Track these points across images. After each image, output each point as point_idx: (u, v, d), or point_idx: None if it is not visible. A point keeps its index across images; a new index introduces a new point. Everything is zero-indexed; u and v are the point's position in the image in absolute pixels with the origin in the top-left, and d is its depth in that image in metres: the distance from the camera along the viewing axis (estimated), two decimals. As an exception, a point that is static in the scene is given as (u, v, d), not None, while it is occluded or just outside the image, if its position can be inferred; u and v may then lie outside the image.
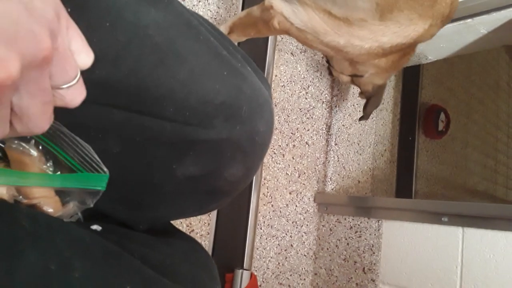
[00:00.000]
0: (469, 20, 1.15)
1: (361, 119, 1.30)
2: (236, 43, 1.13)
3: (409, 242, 1.15)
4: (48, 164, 0.40)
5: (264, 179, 1.23)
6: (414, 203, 1.19)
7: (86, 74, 0.36)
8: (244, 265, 1.12)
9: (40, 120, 0.25)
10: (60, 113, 0.37)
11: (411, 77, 1.67)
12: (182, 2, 1.06)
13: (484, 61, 1.92)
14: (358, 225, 1.26)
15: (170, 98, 0.39)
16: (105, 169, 0.38)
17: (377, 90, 1.14)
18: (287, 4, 0.81)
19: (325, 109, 1.45)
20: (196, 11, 1.09)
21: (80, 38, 0.26)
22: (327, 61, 1.29)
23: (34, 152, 0.39)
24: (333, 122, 1.46)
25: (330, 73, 1.36)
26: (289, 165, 1.31)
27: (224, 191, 0.46)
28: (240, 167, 0.45)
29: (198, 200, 0.46)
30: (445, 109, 1.74)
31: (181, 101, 0.39)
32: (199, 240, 1.06)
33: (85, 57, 0.27)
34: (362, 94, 1.20)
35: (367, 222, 1.24)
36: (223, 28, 0.95)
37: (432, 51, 1.35)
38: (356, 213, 1.26)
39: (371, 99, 1.18)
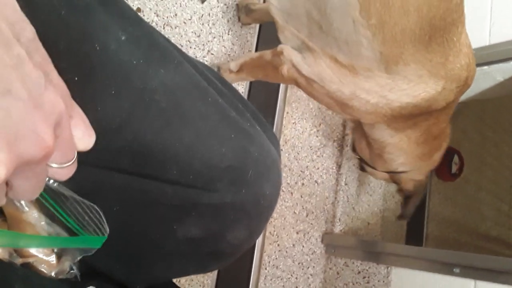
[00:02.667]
0: (485, 67, 1.14)
1: (400, 218, 1.21)
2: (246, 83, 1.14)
3: (419, 292, 1.11)
4: (45, 221, 0.39)
5: (271, 217, 1.21)
6: (425, 251, 1.16)
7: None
8: (247, 308, 1.08)
9: (30, 194, 0.25)
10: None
11: (424, 118, 1.65)
12: (197, 39, 1.08)
13: (499, 104, 1.89)
14: (367, 270, 1.22)
15: (174, 161, 0.38)
16: (107, 229, 0.36)
17: (419, 188, 1.07)
18: (298, 52, 0.80)
19: (336, 147, 1.43)
20: (211, 47, 1.10)
21: (84, 124, 0.26)
22: (359, 159, 1.20)
23: (31, 208, 0.38)
24: (343, 162, 1.44)
25: (362, 169, 1.25)
26: (297, 204, 1.29)
27: (226, 253, 0.45)
28: (243, 230, 0.43)
29: (199, 261, 0.45)
30: (458, 151, 1.71)
31: (185, 164, 0.38)
32: (201, 279, 1.04)
33: (86, 140, 0.26)
34: (401, 191, 1.13)
35: (376, 268, 1.20)
36: (233, 65, 0.95)
37: (447, 94, 1.34)
38: (364, 258, 1.23)
39: (412, 197, 1.11)
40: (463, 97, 1.32)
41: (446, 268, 1.07)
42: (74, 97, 0.34)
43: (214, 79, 0.45)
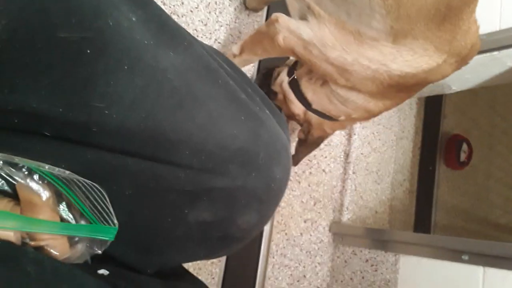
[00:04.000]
0: (495, 52, 1.12)
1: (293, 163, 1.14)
2: (253, 69, 1.13)
3: (427, 279, 1.10)
4: (60, 207, 0.39)
5: (279, 206, 1.21)
6: (433, 238, 1.15)
7: (103, 120, 0.35)
8: (255, 296, 1.09)
9: None
10: (74, 158, 0.37)
11: (433, 106, 1.64)
12: (204, 27, 1.07)
13: (509, 91, 1.87)
14: (375, 258, 1.22)
15: (187, 142, 0.38)
16: (115, 222, 0.37)
17: (320, 139, 1.03)
18: (297, 20, 0.79)
19: (344, 136, 1.42)
20: (218, 36, 1.09)
21: None
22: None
23: (46, 194, 0.38)
24: (351, 150, 1.43)
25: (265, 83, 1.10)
26: (304, 193, 1.28)
27: (236, 238, 0.45)
28: (254, 214, 0.43)
29: (209, 246, 0.44)
30: (467, 140, 1.70)
31: (198, 145, 0.38)
32: (209, 268, 1.05)
33: None
34: (302, 133, 1.05)
35: (384, 256, 1.20)
36: (235, 48, 0.94)
37: (456, 81, 1.32)
38: (372, 246, 1.22)
39: (309, 145, 1.05)
40: (472, 84, 1.31)
41: (454, 255, 1.06)
42: (87, 70, 0.34)
43: (223, 63, 0.45)
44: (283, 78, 1.00)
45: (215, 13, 1.08)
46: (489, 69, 1.19)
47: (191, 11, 1.04)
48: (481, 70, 1.20)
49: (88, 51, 0.34)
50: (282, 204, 1.22)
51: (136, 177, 0.38)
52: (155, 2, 0.40)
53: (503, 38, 1.09)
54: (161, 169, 0.38)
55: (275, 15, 0.80)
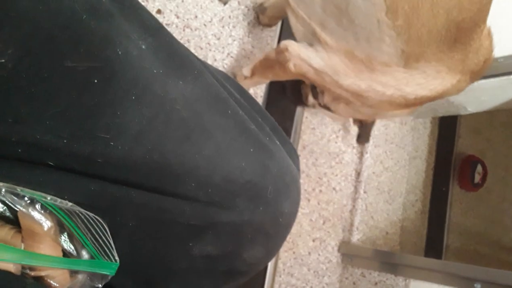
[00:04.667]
0: (513, 76, 1.10)
1: (359, 140, 1.13)
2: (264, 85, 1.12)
3: (438, 306, 1.07)
4: (61, 237, 0.38)
5: (287, 224, 1.19)
6: (445, 265, 1.12)
7: (108, 152, 0.34)
8: (261, 316, 1.07)
9: None
10: (77, 189, 0.36)
11: (447, 126, 1.61)
12: (217, 41, 1.06)
13: (526, 112, 1.83)
14: (384, 281, 1.19)
15: (193, 175, 0.37)
16: (116, 258, 0.35)
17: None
18: (306, 46, 0.78)
19: (356, 154, 1.40)
20: (231, 50, 1.08)
21: None
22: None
23: (48, 223, 0.37)
24: (363, 169, 1.41)
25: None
26: (314, 211, 1.26)
27: (241, 272, 0.43)
28: (260, 249, 0.42)
29: (213, 279, 0.43)
30: (482, 161, 1.66)
31: (204, 178, 0.37)
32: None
33: None
34: (357, 121, 1.09)
35: (394, 280, 1.17)
36: (246, 71, 0.94)
37: (472, 103, 1.30)
38: (382, 269, 1.20)
39: (368, 124, 1.07)
40: (489, 106, 1.28)
41: (466, 283, 1.03)
42: (94, 100, 0.33)
43: (233, 90, 0.44)
44: (312, 100, 1.03)
45: (229, 27, 1.08)
46: (505, 92, 1.16)
47: (205, 24, 1.04)
48: (497, 93, 1.18)
49: (96, 80, 0.33)
50: (290, 222, 1.20)
51: (140, 209, 0.37)
52: (165, 28, 0.40)
53: (521, 61, 1.06)
54: (166, 201, 0.37)
55: (284, 44, 0.80)
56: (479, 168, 1.64)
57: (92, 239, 0.36)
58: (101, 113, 0.33)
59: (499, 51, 0.82)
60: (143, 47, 0.36)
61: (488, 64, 0.77)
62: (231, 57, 1.09)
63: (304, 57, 0.78)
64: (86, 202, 0.35)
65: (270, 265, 1.12)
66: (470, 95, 1.05)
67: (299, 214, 1.20)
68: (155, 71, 0.36)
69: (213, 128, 0.38)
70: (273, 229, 0.41)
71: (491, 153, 1.75)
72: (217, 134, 0.38)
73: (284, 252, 1.18)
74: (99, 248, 0.36)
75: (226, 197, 0.38)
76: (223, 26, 1.07)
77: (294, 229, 1.20)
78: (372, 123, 1.08)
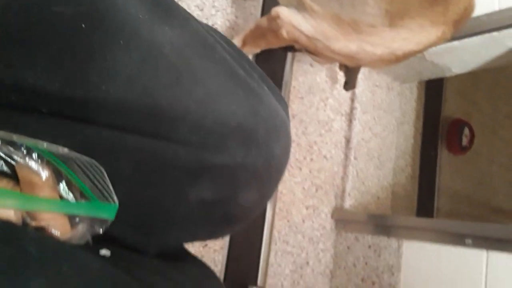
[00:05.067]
0: (495, 33, 1.11)
1: (346, 87, 1.20)
2: (251, 55, 1.12)
3: (431, 264, 1.10)
4: (60, 186, 0.39)
5: (280, 193, 1.21)
6: (436, 223, 1.15)
7: (100, 96, 0.35)
8: (258, 282, 1.09)
9: None
10: (71, 135, 0.36)
11: (433, 90, 1.63)
12: (200, 12, 1.06)
13: (511, 74, 1.86)
14: (377, 244, 1.22)
15: (185, 118, 0.37)
16: (115, 199, 0.36)
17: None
18: (296, 12, 0.79)
19: (344, 122, 1.42)
20: (214, 21, 1.08)
21: None
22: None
23: (46, 173, 0.38)
24: (352, 136, 1.42)
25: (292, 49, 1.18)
26: (306, 179, 1.28)
27: (237, 217, 0.44)
28: (254, 192, 0.43)
29: (210, 225, 0.44)
30: (469, 124, 1.69)
31: (196, 121, 0.38)
32: (212, 255, 1.05)
33: None
34: (343, 66, 1.14)
35: (387, 241, 1.20)
36: (237, 41, 0.94)
37: (456, 64, 1.31)
38: (375, 232, 1.22)
39: (354, 68, 1.12)
40: (473, 66, 1.30)
41: (457, 239, 1.06)
42: (82, 45, 0.33)
43: (220, 40, 0.44)
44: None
45: (212, -1, 1.07)
46: (489, 50, 1.18)
47: (188, -3, 1.03)
48: (481, 51, 1.19)
49: (83, 25, 0.33)
50: (283, 191, 1.22)
51: (135, 154, 0.38)
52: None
53: (502, 18, 1.07)
54: (160, 145, 0.37)
55: (275, 10, 0.81)
56: (466, 131, 1.67)
57: (91, 184, 0.37)
58: (90, 58, 0.34)
59: (480, 9, 0.83)
60: None
61: (470, 12, 0.79)
62: (215, 28, 1.09)
63: (295, 24, 0.79)
64: (81, 148, 0.36)
65: (266, 233, 1.14)
66: (453, 55, 1.06)
67: (291, 183, 1.23)
68: (141, 16, 0.36)
69: (201, 72, 0.38)
70: (266, 172, 0.42)
71: (478, 116, 1.78)
72: (206, 78, 0.38)
73: (279, 221, 1.20)
74: (98, 192, 0.37)
75: (218, 140, 0.39)
76: (206, -3, 1.07)
77: (287, 197, 1.22)
78: (358, 69, 1.11)
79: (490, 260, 1.00)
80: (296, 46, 1.05)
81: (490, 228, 1.02)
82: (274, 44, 0.90)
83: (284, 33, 0.80)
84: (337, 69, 1.32)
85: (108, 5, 0.34)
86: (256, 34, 0.90)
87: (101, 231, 0.38)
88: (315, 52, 0.84)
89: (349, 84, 1.17)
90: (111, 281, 0.35)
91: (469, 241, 1.04)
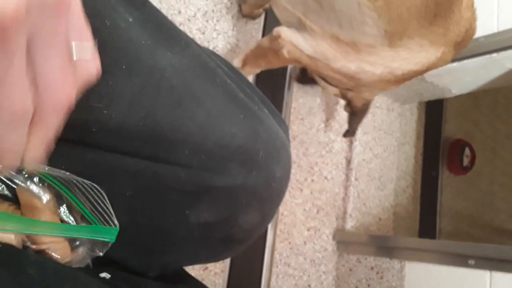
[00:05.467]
0: (494, 54, 1.13)
1: (346, 135, 1.22)
2: (252, 76, 1.14)
3: (434, 286, 1.09)
4: (60, 209, 0.39)
5: (281, 214, 1.20)
6: (439, 244, 1.14)
7: (102, 120, 0.35)
8: (260, 306, 1.07)
9: (61, 91, 0.22)
10: (72, 158, 0.37)
11: (434, 111, 1.64)
12: (202, 36, 1.08)
13: (510, 94, 1.87)
14: (380, 265, 1.21)
15: (186, 141, 0.38)
16: (116, 222, 0.36)
17: (366, 106, 1.09)
18: (296, 32, 0.80)
19: (345, 142, 1.42)
20: (216, 44, 1.10)
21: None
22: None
23: (46, 196, 0.38)
24: (353, 156, 1.43)
25: (304, 81, 1.24)
26: (307, 200, 1.28)
27: (238, 239, 0.44)
28: (255, 214, 0.43)
29: (211, 247, 0.44)
30: (469, 144, 1.69)
31: (197, 144, 0.38)
32: (213, 278, 1.03)
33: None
34: (348, 107, 1.13)
35: (389, 263, 1.19)
36: (237, 62, 0.95)
37: (456, 85, 1.32)
38: (377, 253, 1.21)
39: (358, 114, 1.12)
40: (473, 87, 1.31)
41: (460, 260, 1.05)
42: None
43: (221, 64, 0.45)
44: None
45: (213, 22, 1.09)
46: (488, 71, 1.19)
47: (189, 19, 1.05)
48: (480, 72, 1.20)
49: None
50: (284, 212, 1.21)
51: (136, 177, 0.38)
52: (151, 3, 0.41)
53: (501, 40, 1.09)
54: (160, 168, 0.38)
55: (276, 30, 0.82)
56: (467, 151, 1.67)
57: (91, 207, 0.37)
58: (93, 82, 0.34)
59: (479, 31, 0.84)
60: (130, 19, 0.37)
61: (471, 34, 0.80)
62: (217, 51, 1.10)
63: (296, 44, 0.80)
64: (83, 171, 0.36)
65: (267, 255, 1.13)
66: (453, 76, 1.07)
67: (292, 204, 1.22)
68: (143, 42, 0.37)
69: (202, 95, 0.39)
70: (266, 193, 0.42)
71: (478, 136, 1.79)
72: (207, 101, 0.39)
73: (280, 243, 1.19)
74: (99, 216, 0.37)
75: (219, 162, 0.39)
76: (207, 21, 1.08)
77: (289, 219, 1.22)
78: (362, 116, 1.11)
79: (494, 281, 0.99)
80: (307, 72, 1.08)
81: (493, 249, 1.01)
82: (275, 64, 0.91)
83: (285, 52, 0.81)
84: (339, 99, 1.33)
85: (111, 31, 0.35)
86: (257, 53, 0.91)
87: (101, 253, 0.38)
88: (316, 72, 0.85)
89: (350, 132, 1.19)
90: (111, 304, 0.35)
91: (472, 262, 1.03)
